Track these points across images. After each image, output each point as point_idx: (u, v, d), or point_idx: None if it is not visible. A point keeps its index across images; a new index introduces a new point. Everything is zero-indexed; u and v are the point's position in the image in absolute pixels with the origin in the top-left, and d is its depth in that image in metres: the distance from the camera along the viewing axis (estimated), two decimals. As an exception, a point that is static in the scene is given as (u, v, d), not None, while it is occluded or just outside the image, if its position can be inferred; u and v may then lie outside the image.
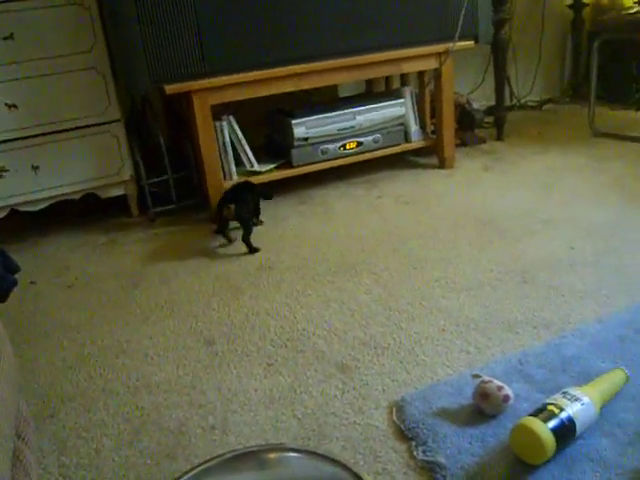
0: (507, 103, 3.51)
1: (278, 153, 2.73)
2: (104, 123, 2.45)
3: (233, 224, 2.29)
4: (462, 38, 2.68)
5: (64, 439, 1.32)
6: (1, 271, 0.92)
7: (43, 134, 2.37)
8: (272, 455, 1.05)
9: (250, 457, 1.04)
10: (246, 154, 2.63)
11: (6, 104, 2.28)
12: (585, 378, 1.29)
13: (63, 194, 2.47)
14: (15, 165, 2.36)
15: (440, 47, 2.67)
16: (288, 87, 2.47)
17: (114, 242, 2.40)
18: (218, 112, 2.51)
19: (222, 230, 2.32)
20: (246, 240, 2.21)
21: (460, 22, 2.64)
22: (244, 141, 2.62)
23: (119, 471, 1.22)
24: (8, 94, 2.28)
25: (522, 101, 3.92)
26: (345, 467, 0.99)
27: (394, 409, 1.30)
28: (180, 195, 2.63)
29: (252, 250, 2.20)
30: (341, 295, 1.82)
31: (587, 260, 1.88)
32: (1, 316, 1.80)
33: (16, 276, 1.00)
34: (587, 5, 3.85)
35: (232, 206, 2.24)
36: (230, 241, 2.30)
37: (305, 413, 1.33)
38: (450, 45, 2.66)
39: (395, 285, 1.84)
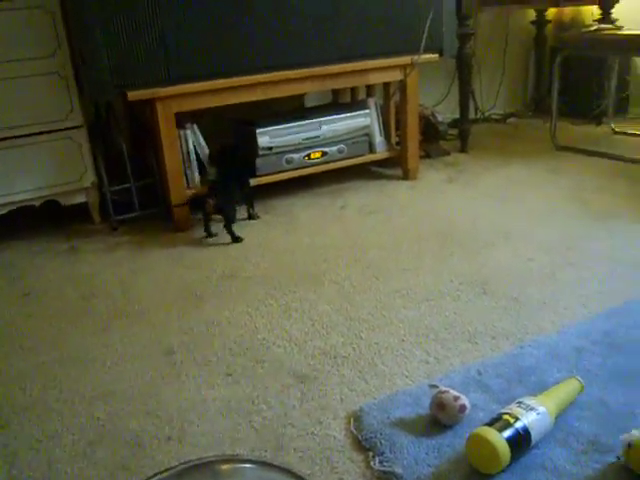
0: (471, 116, 3.55)
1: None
2: (66, 129, 2.42)
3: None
4: (427, 51, 2.72)
5: (15, 451, 1.29)
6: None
7: (2, 139, 2.32)
8: (226, 466, 1.04)
9: (204, 468, 1.03)
10: (209, 164, 2.62)
11: (-36, 108, 2.24)
12: (541, 388, 1.30)
13: (23, 200, 2.42)
14: (-27, 170, 2.31)
15: (405, 59, 2.70)
16: (254, 96, 2.46)
17: (74, 250, 2.36)
18: (181, 120, 2.49)
19: (206, 225, 2.38)
20: (228, 229, 2.32)
21: (425, 35, 2.67)
22: (207, 150, 2.61)
23: (71, 483, 1.19)
24: (-34, 98, 2.24)
25: (486, 114, 3.98)
26: (298, 477, 0.98)
27: (352, 419, 1.30)
28: (143, 203, 2.60)
29: (235, 239, 2.30)
30: (302, 305, 1.81)
31: (545, 272, 1.91)
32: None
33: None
34: (549, 22, 3.92)
35: (210, 201, 2.32)
36: (211, 235, 2.38)
37: (263, 424, 1.31)
38: (415, 57, 2.69)
39: (356, 295, 1.85)
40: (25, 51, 2.28)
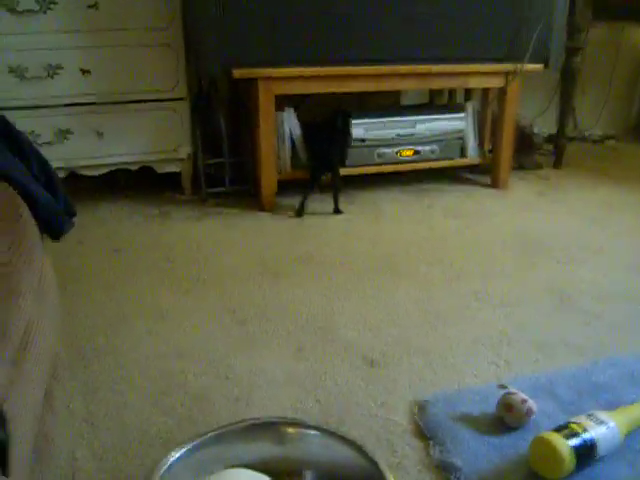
0: (569, 134, 3.46)
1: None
2: (171, 99, 2.51)
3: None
4: (532, 61, 2.67)
5: (94, 389, 1.36)
6: (62, 210, 0.96)
7: (111, 103, 2.43)
8: (292, 429, 1.06)
9: (270, 428, 1.06)
10: (300, 148, 2.66)
11: (81, 69, 2.36)
12: (613, 406, 1.27)
13: (122, 162, 2.53)
14: (81, 129, 2.43)
15: (508, 67, 2.66)
16: (355, 87, 2.49)
17: (165, 216, 2.45)
18: (281, 104, 2.54)
19: (305, 199, 2.49)
20: (336, 198, 2.49)
21: (532, 44, 2.62)
22: (301, 136, 2.65)
23: (141, 425, 1.25)
24: (84, 60, 2.35)
25: (585, 134, 3.87)
26: (362, 451, 1.00)
27: (417, 407, 1.31)
28: (233, 180, 2.67)
29: (338, 210, 2.48)
30: (380, 293, 1.82)
31: (630, 294, 1.85)
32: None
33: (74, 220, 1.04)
34: (664, 45, 3.78)
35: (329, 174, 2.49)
36: (301, 214, 2.47)
37: (327, 399, 1.34)
38: (519, 66, 2.65)
39: (435, 291, 1.84)
40: (142, 21, 2.38)
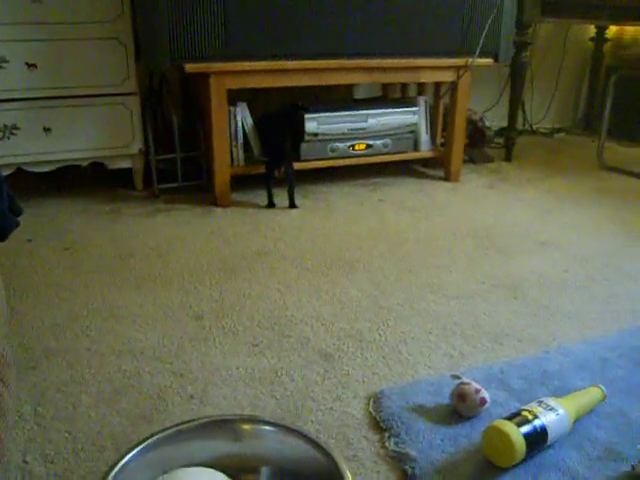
0: (519, 127, 3.53)
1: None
2: (120, 94, 2.47)
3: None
4: (482, 55, 2.71)
5: (43, 391, 1.33)
6: (6, 209, 0.93)
7: (59, 97, 2.38)
8: (247, 426, 1.06)
9: (225, 425, 1.05)
10: (254, 143, 2.65)
11: (26, 63, 2.30)
12: (563, 393, 1.30)
13: (71, 159, 2.48)
14: (27, 125, 2.37)
15: (459, 61, 2.69)
16: (307, 81, 2.49)
17: (116, 212, 2.42)
18: (233, 99, 2.52)
19: (270, 190, 2.51)
20: (291, 194, 2.49)
21: (482, 39, 2.66)
22: (254, 131, 2.64)
23: (94, 427, 1.23)
24: (30, 53, 2.30)
25: (534, 127, 3.95)
26: (317, 445, 1.00)
27: (372, 400, 1.32)
28: (186, 175, 2.65)
29: (294, 205, 2.49)
30: (333, 288, 1.83)
31: (579, 284, 1.90)
32: (-4, 267, 1.82)
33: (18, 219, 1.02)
34: (608, 40, 3.88)
35: (279, 167, 2.50)
36: (273, 205, 2.51)
37: (284, 394, 1.34)
38: (469, 60, 2.68)
39: (388, 285, 1.86)
40: (89, 14, 2.33)
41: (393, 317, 1.67)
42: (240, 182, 2.61)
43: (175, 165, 2.62)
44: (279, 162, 2.49)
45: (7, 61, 2.28)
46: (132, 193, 2.64)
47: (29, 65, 2.31)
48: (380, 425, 1.24)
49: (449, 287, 1.86)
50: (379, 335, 1.58)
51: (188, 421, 1.03)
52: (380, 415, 1.26)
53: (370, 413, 1.28)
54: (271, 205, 2.49)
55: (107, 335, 1.56)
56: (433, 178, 2.95)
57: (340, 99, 3.07)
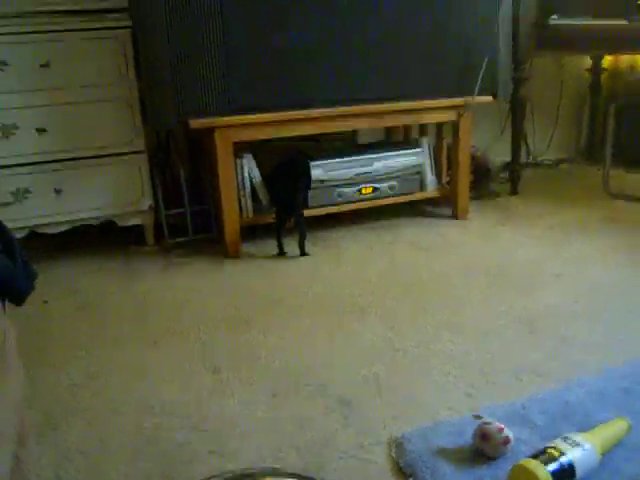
0: (523, 160, 3.54)
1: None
2: (129, 153, 2.51)
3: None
4: (481, 93, 2.74)
5: (64, 452, 1.32)
6: (22, 273, 0.95)
7: (69, 159, 2.42)
8: (269, 479, 1.05)
9: (248, 479, 1.04)
10: (262, 194, 2.67)
11: (36, 128, 2.35)
12: (587, 427, 1.28)
13: (83, 219, 2.51)
14: (39, 187, 2.41)
15: (459, 100, 2.72)
16: (310, 129, 2.52)
17: (129, 268, 2.43)
18: (239, 150, 2.56)
19: (280, 243, 2.52)
20: (302, 243, 2.49)
21: (480, 77, 2.69)
22: (261, 179, 2.67)
23: (116, 488, 1.22)
24: (39, 119, 2.35)
25: (538, 159, 3.96)
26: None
27: (393, 446, 1.30)
28: (196, 228, 2.67)
29: (304, 253, 2.49)
30: (347, 333, 1.83)
31: (593, 315, 1.89)
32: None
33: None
34: (605, 70, 3.92)
35: (291, 218, 2.51)
36: (284, 253, 2.52)
37: (305, 444, 1.32)
38: (469, 99, 2.72)
39: (402, 327, 1.85)
40: (95, 77, 2.38)
41: (409, 359, 1.66)
42: (250, 232, 2.62)
43: (185, 219, 2.64)
44: (290, 212, 2.51)
45: (17, 127, 2.33)
46: (144, 249, 2.66)
47: (39, 130, 2.35)
48: (403, 471, 1.23)
49: (465, 325, 1.85)
50: (396, 379, 1.57)
51: (210, 477, 1.03)
52: (403, 460, 1.25)
53: (392, 459, 1.27)
54: (282, 254, 2.50)
55: (125, 393, 1.55)
56: (441, 217, 2.96)
57: (344, 145, 3.11)
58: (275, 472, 1.08)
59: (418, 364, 1.63)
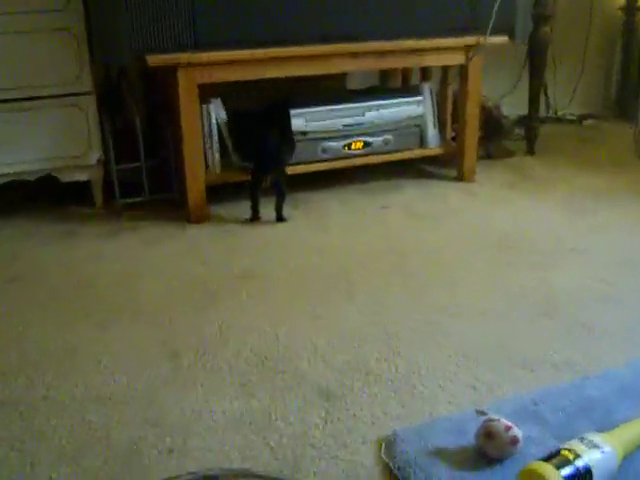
0: (542, 114, 3.55)
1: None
2: (72, 94, 2.47)
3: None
4: (495, 32, 2.73)
5: (-6, 449, 1.32)
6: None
7: (1, 101, 2.38)
8: (237, 482, 1.06)
9: (211, 482, 1.05)
10: (235, 145, 2.66)
11: (-40, 62, 2.31)
12: (607, 426, 1.30)
13: (17, 173, 2.48)
14: (-36, 135, 2.38)
15: (469, 40, 2.71)
16: (291, 71, 2.50)
17: (72, 233, 2.42)
18: (205, 95, 2.53)
19: (255, 205, 2.51)
20: (279, 207, 2.49)
21: (494, 13, 2.68)
22: (234, 130, 2.65)
23: (56, 490, 1.22)
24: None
25: (559, 113, 3.98)
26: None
27: (383, 445, 1.31)
28: (154, 187, 2.65)
29: (281, 218, 2.50)
30: (331, 314, 1.83)
31: (620, 296, 1.91)
32: None
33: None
34: (642, 9, 3.92)
35: (269, 177, 2.45)
36: (258, 217, 2.52)
37: (280, 442, 1.33)
38: (481, 39, 2.70)
39: (395, 307, 1.86)
40: (31, 2, 2.34)
41: (403, 344, 1.67)
42: (218, 192, 2.61)
43: (140, 176, 2.62)
44: (269, 168, 2.48)
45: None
46: (90, 211, 2.64)
47: (-36, 65, 2.32)
48: (395, 474, 1.24)
49: (468, 306, 1.86)
50: (388, 367, 1.58)
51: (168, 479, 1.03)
52: (394, 462, 1.26)
53: (382, 460, 1.28)
54: (255, 218, 2.49)
55: (67, 381, 1.55)
56: (444, 179, 2.96)
57: (331, 91, 3.09)
58: (244, 474, 1.09)
59: (413, 350, 1.64)
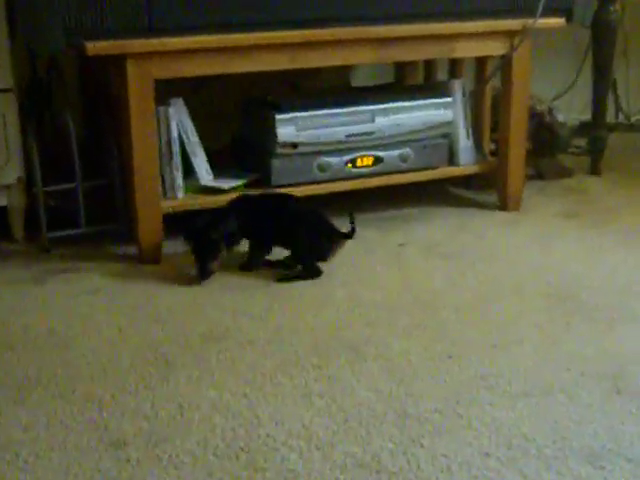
0: (610, 120, 3.56)
1: (250, 163, 2.79)
2: (-15, 92, 2.49)
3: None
4: (548, 14, 2.75)
5: None
6: None
7: None
8: None
9: None
10: (200, 161, 2.66)
11: None
12: None
13: None
14: None
15: (514, 23, 2.73)
16: (276, 63, 2.52)
17: (-18, 279, 2.42)
18: (162, 94, 2.53)
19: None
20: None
21: (546, -12, 2.71)
22: (198, 141, 2.66)
23: None
24: None
25: (633, 119, 3.99)
26: None
27: None
28: (93, 216, 2.65)
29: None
30: (331, 388, 1.82)
31: None
32: None
33: None
34: None
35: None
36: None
37: None
38: (529, 22, 2.73)
39: (417, 380, 1.85)
40: None
41: (428, 431, 1.66)
42: (177, 223, 2.60)
43: (75, 201, 2.62)
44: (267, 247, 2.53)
45: None
46: (8, 247, 2.64)
47: None
48: None
49: (514, 379, 1.85)
50: (407, 462, 1.56)
51: None
52: None
53: None
54: (250, 267, 2.52)
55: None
56: (481, 206, 2.97)
57: (331, 89, 3.10)
58: None
59: (440, 440, 1.63)
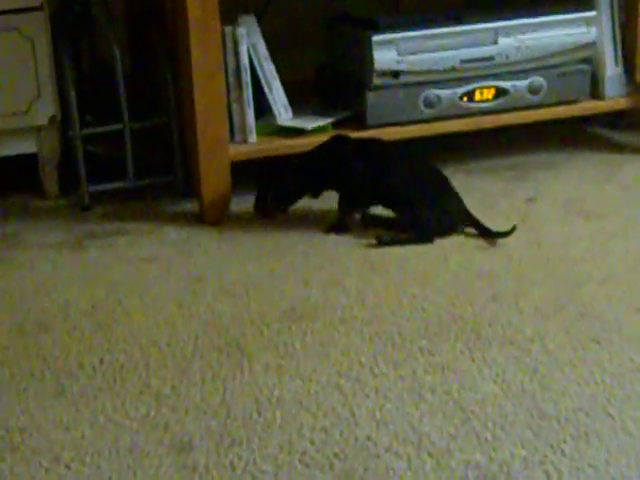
0: None
1: (338, 98, 2.79)
2: (9, 11, 2.51)
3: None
4: None
5: None
6: None
7: None
8: None
9: None
10: (277, 95, 2.67)
11: None
12: None
13: None
14: None
15: None
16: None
17: (10, 242, 2.46)
18: (229, 13, 2.54)
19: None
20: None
21: None
22: (274, 71, 2.66)
23: None
24: None
25: None
26: None
27: None
28: (142, 166, 2.67)
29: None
30: (446, 380, 1.82)
31: None
32: None
33: None
34: None
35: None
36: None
37: None
38: None
39: (555, 371, 1.85)
40: None
41: (571, 436, 1.65)
42: (247, 172, 2.61)
43: (122, 147, 2.64)
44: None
45: None
46: (39, 204, 2.68)
47: None
48: None
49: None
50: (546, 474, 1.55)
51: None
52: None
53: None
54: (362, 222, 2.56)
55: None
56: (633, 151, 2.94)
57: (439, 2, 3.09)
58: None
59: (587, 448, 1.62)
